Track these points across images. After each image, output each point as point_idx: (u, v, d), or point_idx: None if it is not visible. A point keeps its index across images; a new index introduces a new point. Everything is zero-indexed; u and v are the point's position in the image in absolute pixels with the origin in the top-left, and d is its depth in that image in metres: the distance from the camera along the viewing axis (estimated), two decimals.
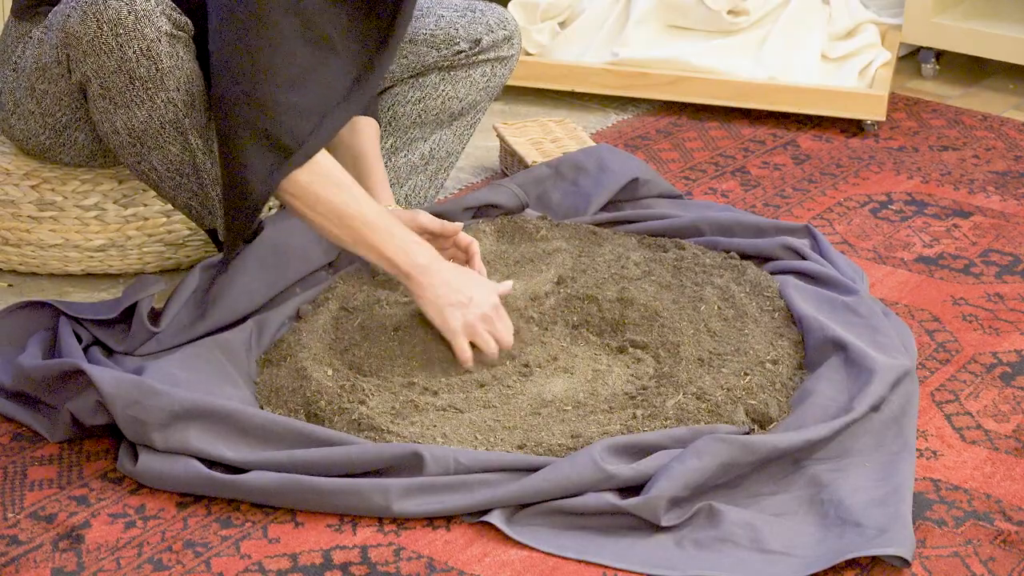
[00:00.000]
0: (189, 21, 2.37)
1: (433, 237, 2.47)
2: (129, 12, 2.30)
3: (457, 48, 2.78)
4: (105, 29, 2.31)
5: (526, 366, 2.36)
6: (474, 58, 2.81)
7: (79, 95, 2.44)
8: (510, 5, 3.60)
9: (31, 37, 2.50)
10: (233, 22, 2.25)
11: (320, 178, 2.30)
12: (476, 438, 2.18)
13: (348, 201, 2.31)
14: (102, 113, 2.39)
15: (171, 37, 2.34)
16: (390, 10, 2.45)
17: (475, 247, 2.48)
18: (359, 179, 2.53)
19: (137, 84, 2.33)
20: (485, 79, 2.84)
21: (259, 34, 2.25)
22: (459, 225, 2.49)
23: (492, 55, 2.82)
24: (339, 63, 2.37)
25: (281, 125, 2.26)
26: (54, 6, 2.48)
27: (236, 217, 2.32)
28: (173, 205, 2.53)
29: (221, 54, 2.27)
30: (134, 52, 2.31)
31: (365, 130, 2.60)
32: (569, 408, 2.27)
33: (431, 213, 2.75)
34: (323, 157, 2.31)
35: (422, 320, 2.36)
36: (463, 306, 2.31)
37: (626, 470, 2.08)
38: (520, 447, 2.16)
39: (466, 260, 2.48)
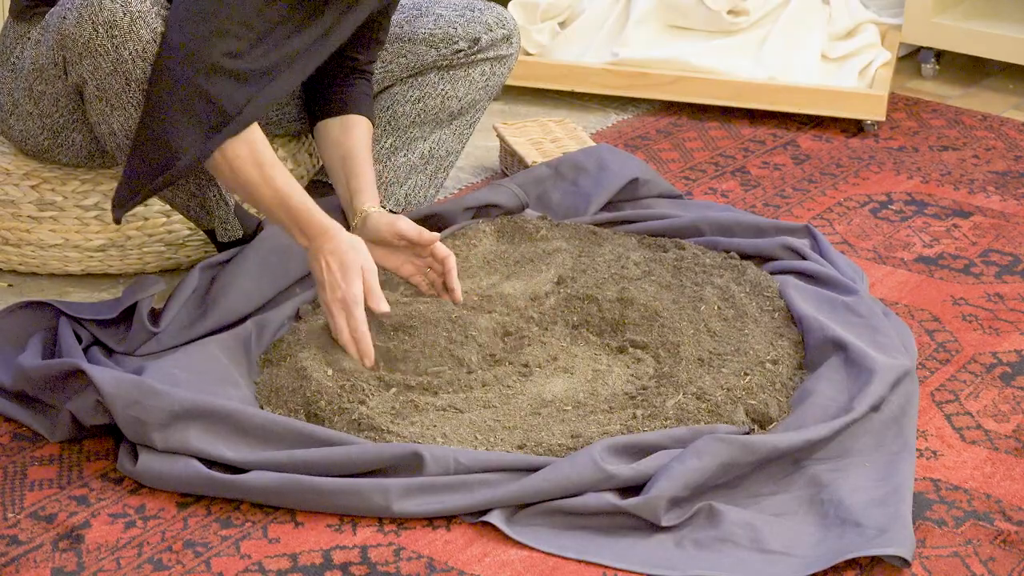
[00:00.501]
0: None
1: (411, 244, 2.44)
2: (124, 14, 2.29)
3: (456, 47, 2.78)
4: (100, 31, 2.30)
5: (526, 366, 2.36)
6: (473, 57, 2.81)
7: (76, 97, 2.43)
8: (510, 5, 3.60)
9: (29, 38, 2.49)
10: None
11: (244, 156, 2.30)
12: (476, 438, 2.18)
13: (263, 181, 2.31)
14: (98, 115, 2.39)
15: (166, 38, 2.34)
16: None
17: (451, 262, 2.43)
18: (346, 179, 2.53)
19: (133, 86, 2.33)
20: (484, 78, 2.84)
21: None
22: (436, 236, 2.43)
23: (491, 54, 2.82)
24: (294, 26, 2.36)
25: (222, 90, 2.26)
26: (52, 7, 2.48)
27: (146, 177, 2.30)
28: (171, 206, 2.53)
29: (178, 6, 2.27)
30: (129, 54, 2.31)
31: (356, 129, 2.58)
32: (569, 408, 2.27)
33: (431, 213, 2.76)
34: (253, 132, 2.32)
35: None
36: (332, 286, 2.32)
37: (626, 470, 2.08)
38: (520, 447, 2.16)
39: (441, 273, 2.45)
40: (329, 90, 2.62)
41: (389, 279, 2.54)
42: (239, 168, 2.31)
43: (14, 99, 2.53)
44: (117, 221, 2.37)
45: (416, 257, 2.45)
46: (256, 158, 2.31)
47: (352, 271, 2.30)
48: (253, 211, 2.67)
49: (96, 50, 2.31)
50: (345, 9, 2.44)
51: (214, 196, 2.47)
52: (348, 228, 2.46)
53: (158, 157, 2.29)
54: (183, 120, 2.26)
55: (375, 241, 2.44)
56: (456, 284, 2.43)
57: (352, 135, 2.58)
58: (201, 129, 2.27)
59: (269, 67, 2.34)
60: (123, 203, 2.35)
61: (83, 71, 2.35)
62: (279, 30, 2.35)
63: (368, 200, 2.50)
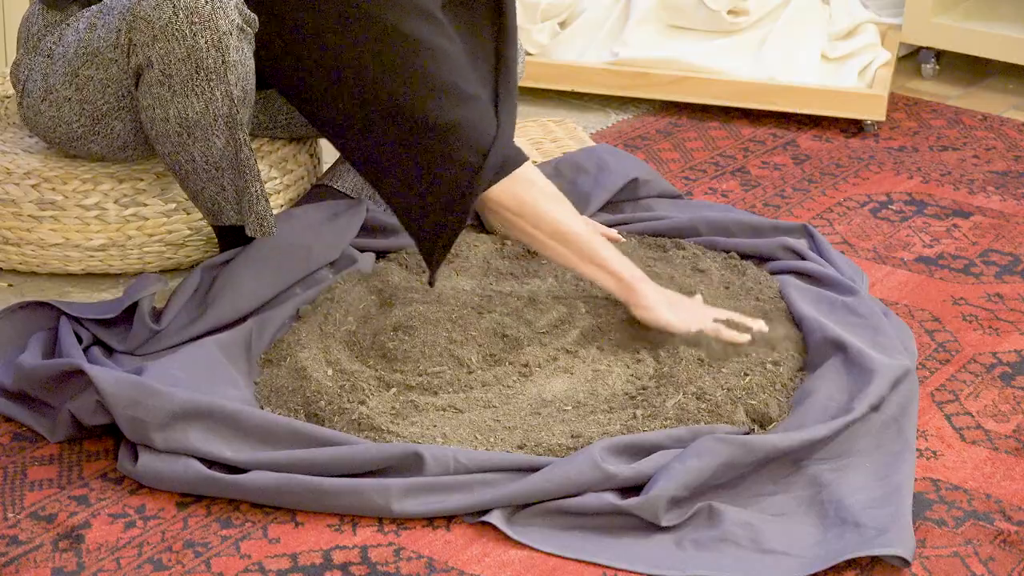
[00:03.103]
0: (256, 18, 2.37)
1: None
2: (206, 2, 2.31)
3: None
4: (180, 16, 2.32)
5: (526, 366, 2.36)
6: None
7: (129, 82, 2.44)
8: None
9: (67, 24, 2.50)
10: (366, 48, 2.30)
11: (530, 187, 2.38)
12: (476, 438, 2.18)
13: (566, 218, 2.40)
14: (155, 99, 2.39)
15: (240, 31, 2.35)
16: (493, 5, 2.48)
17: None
18: None
19: (201, 74, 2.34)
20: None
21: (408, 51, 2.29)
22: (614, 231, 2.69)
23: None
24: (470, 57, 2.41)
25: (467, 138, 2.31)
26: None
27: (444, 240, 2.36)
28: (194, 199, 2.52)
29: (368, 89, 2.31)
30: (206, 42, 2.32)
31: None
32: (569, 408, 2.27)
33: None
34: (529, 169, 2.39)
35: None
36: (683, 303, 2.42)
37: (626, 470, 2.08)
38: (520, 447, 2.16)
39: None
40: None
41: (389, 279, 2.54)
42: (536, 205, 2.39)
43: (48, 85, 2.52)
44: (432, 284, 2.44)
45: None
46: (544, 189, 2.40)
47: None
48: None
49: (173, 34, 2.32)
50: (499, 11, 2.49)
51: (255, 191, 2.45)
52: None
53: (440, 215, 2.34)
54: (447, 170, 2.32)
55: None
56: (610, 232, 2.69)
57: None
58: (466, 169, 2.33)
59: (488, 95, 2.40)
60: (434, 265, 2.40)
61: (152, 54, 2.35)
62: (478, 56, 2.41)
63: None
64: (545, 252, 2.42)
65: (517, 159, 2.37)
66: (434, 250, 2.38)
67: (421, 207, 2.35)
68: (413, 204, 2.35)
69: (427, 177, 2.32)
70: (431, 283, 2.43)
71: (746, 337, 2.36)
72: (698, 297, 2.47)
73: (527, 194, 2.37)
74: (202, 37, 2.32)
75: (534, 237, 2.40)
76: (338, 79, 2.33)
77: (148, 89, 2.40)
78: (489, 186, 2.34)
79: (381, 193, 2.39)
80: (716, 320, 2.39)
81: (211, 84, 2.36)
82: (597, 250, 2.39)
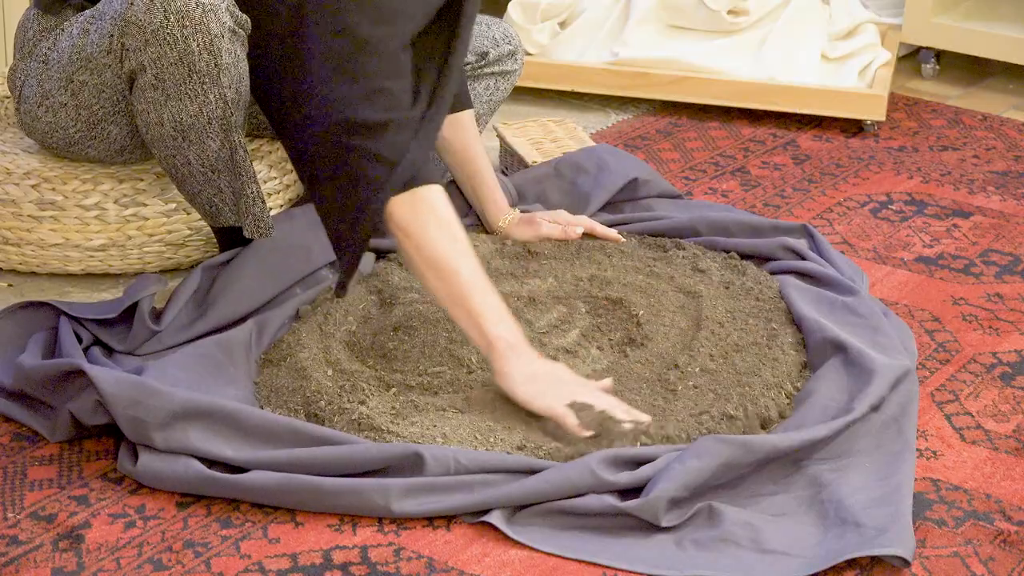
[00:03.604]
0: (248, 19, 2.37)
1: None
2: (197, 5, 2.31)
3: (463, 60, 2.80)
4: (172, 20, 2.32)
5: None
6: (479, 71, 2.83)
7: (123, 87, 2.44)
8: (510, 5, 3.60)
9: (62, 29, 2.50)
10: (329, 46, 2.26)
11: (426, 210, 2.25)
12: (476, 438, 2.17)
13: (450, 252, 2.25)
14: (149, 104, 2.39)
15: (232, 34, 2.35)
16: (453, 9, 2.45)
17: (598, 229, 2.72)
18: (472, 188, 2.71)
19: (195, 78, 2.34)
20: (489, 92, 2.86)
21: (358, 52, 2.25)
22: (581, 230, 2.69)
23: (497, 69, 2.84)
24: (426, 56, 2.39)
25: (384, 143, 2.25)
26: (83, 0, 2.49)
27: (352, 246, 2.30)
28: (192, 201, 2.52)
29: (319, 80, 2.27)
30: (197, 45, 2.32)
31: (464, 128, 2.69)
32: None
33: None
34: (434, 192, 2.28)
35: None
36: (550, 378, 2.22)
37: (624, 476, 2.07)
38: (520, 448, 2.16)
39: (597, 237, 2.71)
40: None
41: (388, 279, 2.54)
42: (425, 231, 2.26)
43: (44, 90, 2.52)
44: (339, 293, 2.36)
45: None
46: (440, 217, 2.26)
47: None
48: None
49: (164, 38, 2.32)
50: (456, 19, 2.44)
51: (252, 192, 2.45)
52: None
53: (354, 225, 2.28)
54: (357, 182, 2.25)
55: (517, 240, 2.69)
56: (610, 232, 2.72)
57: (462, 134, 2.70)
58: (374, 183, 2.25)
59: (421, 109, 2.33)
60: (342, 284, 2.34)
61: (144, 59, 2.35)
62: (412, 66, 2.35)
63: (500, 212, 2.73)
64: (423, 283, 2.29)
65: (425, 178, 2.27)
66: (342, 257, 2.31)
67: (337, 211, 2.29)
68: (332, 208, 2.29)
69: (343, 180, 2.26)
70: (338, 293, 2.34)
71: (587, 432, 2.14)
72: (581, 379, 2.26)
73: (419, 215, 2.25)
74: (194, 41, 2.32)
75: (412, 261, 2.27)
76: (288, 72, 2.31)
77: (142, 94, 2.40)
78: (392, 196, 2.25)
79: (309, 193, 2.34)
80: (574, 404, 2.17)
81: (204, 87, 2.36)
82: (471, 297, 2.23)
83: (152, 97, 2.39)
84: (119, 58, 2.40)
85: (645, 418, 2.18)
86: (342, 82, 2.24)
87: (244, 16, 2.37)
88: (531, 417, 2.20)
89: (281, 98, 2.33)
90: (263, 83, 2.37)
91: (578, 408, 2.16)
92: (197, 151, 2.42)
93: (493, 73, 2.85)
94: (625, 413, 2.18)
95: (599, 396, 2.20)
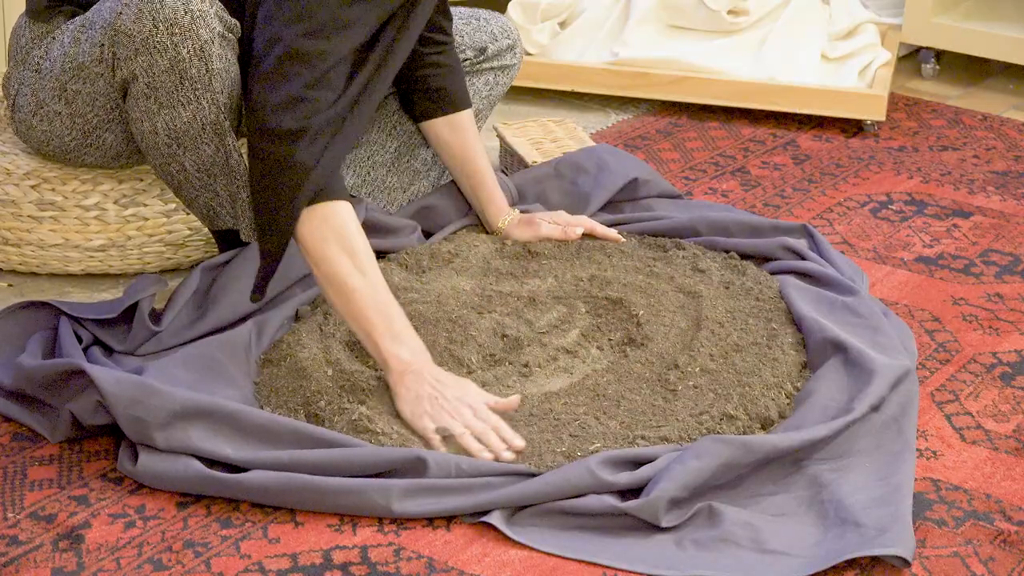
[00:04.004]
0: (238, 23, 2.38)
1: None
2: (185, 12, 2.31)
3: (462, 56, 2.80)
4: (161, 28, 2.31)
5: (526, 366, 2.36)
6: (478, 66, 2.82)
7: (116, 95, 2.44)
8: (510, 5, 3.60)
9: (53, 37, 2.50)
10: (262, 54, 2.25)
11: (326, 227, 2.23)
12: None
13: (347, 269, 2.23)
14: (143, 112, 2.39)
15: (222, 39, 2.35)
16: (405, 10, 2.44)
17: (598, 229, 2.71)
18: (472, 188, 2.70)
19: (186, 84, 2.34)
20: (488, 88, 2.86)
21: (285, 60, 2.23)
22: (580, 230, 2.68)
23: (496, 64, 2.84)
24: (356, 65, 2.37)
25: (299, 149, 2.22)
26: (74, 7, 2.49)
27: (267, 253, 2.30)
28: (189, 206, 2.52)
29: (249, 87, 2.27)
30: (188, 52, 2.32)
31: (464, 129, 2.70)
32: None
33: (425, 205, 2.77)
34: (339, 209, 2.25)
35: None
36: (434, 400, 2.20)
37: (624, 477, 2.08)
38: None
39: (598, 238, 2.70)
40: (423, 86, 2.69)
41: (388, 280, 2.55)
42: (324, 253, 2.24)
43: (38, 99, 2.52)
44: (254, 298, 2.34)
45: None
46: (339, 233, 2.24)
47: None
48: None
49: (154, 47, 2.32)
50: (400, 28, 2.42)
51: (247, 197, 2.46)
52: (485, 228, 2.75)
53: (267, 232, 2.26)
54: (276, 191, 2.23)
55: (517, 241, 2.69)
56: (610, 232, 2.70)
57: (461, 134, 2.71)
58: (288, 193, 2.22)
59: (339, 113, 2.29)
60: (257, 286, 2.33)
61: (136, 67, 2.35)
62: (345, 74, 2.33)
63: (500, 212, 2.72)
64: (325, 298, 2.30)
65: (331, 193, 2.24)
66: (262, 259, 2.30)
67: (259, 215, 2.27)
68: (256, 211, 2.27)
69: (262, 185, 2.24)
70: (253, 297, 2.33)
71: (437, 446, 2.15)
72: (470, 389, 2.23)
73: (317, 232, 2.23)
74: (184, 47, 2.32)
75: (316, 277, 2.27)
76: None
77: (135, 103, 2.40)
78: (303, 209, 2.23)
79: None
80: (439, 429, 2.16)
81: (197, 93, 2.36)
82: (366, 316, 2.21)
83: (145, 106, 2.39)
84: (111, 67, 2.40)
85: (506, 452, 2.13)
86: (265, 88, 2.22)
87: (234, 21, 2.37)
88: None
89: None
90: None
91: (442, 433, 2.15)
92: (192, 157, 2.42)
93: (492, 68, 2.84)
94: (480, 445, 2.14)
95: (471, 421, 2.17)
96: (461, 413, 2.18)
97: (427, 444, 2.16)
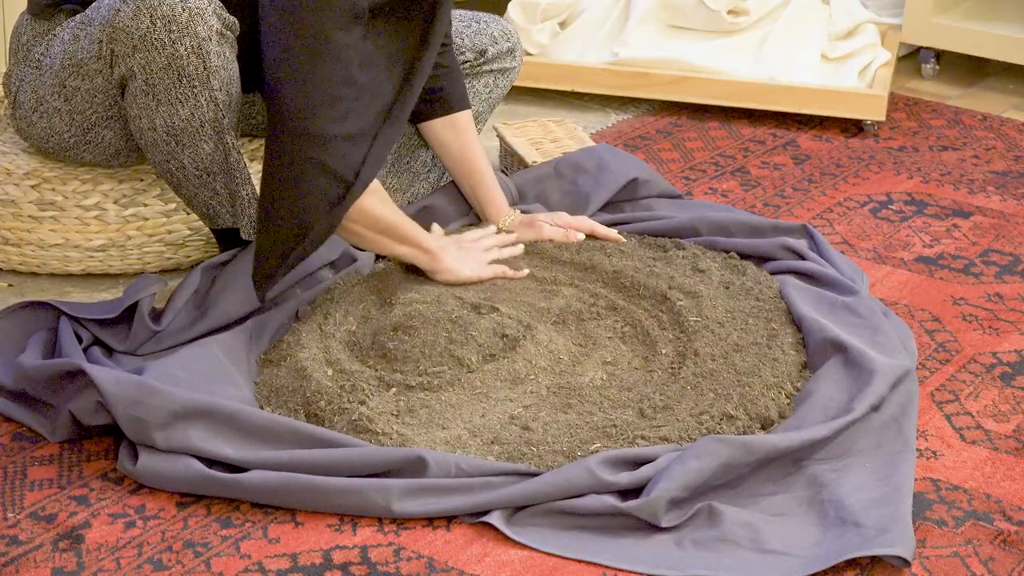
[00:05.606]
0: (236, 21, 2.38)
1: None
2: (183, 9, 2.31)
3: (463, 58, 2.80)
4: (159, 25, 2.32)
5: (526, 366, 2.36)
6: (478, 68, 2.83)
7: (115, 92, 2.44)
8: (510, 5, 3.60)
9: (54, 35, 2.50)
10: (295, 47, 2.27)
11: (376, 198, 2.41)
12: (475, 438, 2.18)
13: (394, 215, 2.46)
14: (141, 109, 2.40)
15: (220, 36, 2.35)
16: (427, 14, 2.45)
17: (599, 230, 2.73)
18: (471, 188, 2.72)
19: (184, 82, 2.35)
20: (488, 90, 2.86)
21: (322, 57, 2.26)
22: (582, 234, 2.69)
23: (496, 66, 2.84)
24: (383, 75, 2.39)
25: (337, 157, 2.29)
26: (75, 4, 2.49)
27: (279, 256, 2.33)
28: (189, 204, 2.53)
29: (280, 84, 2.29)
30: (185, 49, 2.32)
31: (463, 130, 2.70)
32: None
33: (425, 204, 2.77)
34: (373, 195, 2.41)
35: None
36: (461, 260, 2.52)
37: (624, 477, 2.08)
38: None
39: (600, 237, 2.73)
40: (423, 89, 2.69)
41: (387, 280, 2.54)
42: (364, 231, 2.44)
43: (38, 96, 2.52)
44: (262, 301, 2.41)
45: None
46: (377, 223, 2.43)
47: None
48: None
49: (152, 44, 2.33)
50: (423, 40, 2.47)
51: (246, 195, 2.46)
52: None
53: (288, 235, 2.32)
54: (306, 195, 2.29)
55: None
56: (610, 232, 2.72)
57: (461, 135, 2.71)
58: (324, 200, 2.31)
59: (374, 120, 2.36)
60: (262, 285, 2.37)
61: (134, 64, 2.36)
62: (374, 80, 2.36)
63: (500, 212, 2.72)
64: (362, 243, 2.49)
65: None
66: (278, 266, 2.34)
67: (286, 217, 2.31)
68: (280, 212, 2.31)
69: (295, 188, 2.28)
70: (261, 299, 2.40)
71: (524, 271, 2.54)
72: (469, 235, 2.61)
73: (351, 226, 2.43)
74: (182, 45, 2.32)
75: (364, 236, 2.47)
76: (266, 68, 2.33)
77: (134, 100, 2.40)
78: (342, 217, 2.36)
79: (261, 188, 2.35)
80: (495, 262, 2.55)
81: (195, 91, 2.36)
82: (404, 231, 2.48)
83: (144, 103, 2.39)
84: (109, 64, 2.40)
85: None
86: (298, 87, 2.26)
87: (232, 18, 2.37)
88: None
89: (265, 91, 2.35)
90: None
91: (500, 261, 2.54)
92: (191, 155, 2.42)
93: (492, 71, 2.85)
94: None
95: (494, 244, 2.60)
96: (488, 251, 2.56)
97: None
